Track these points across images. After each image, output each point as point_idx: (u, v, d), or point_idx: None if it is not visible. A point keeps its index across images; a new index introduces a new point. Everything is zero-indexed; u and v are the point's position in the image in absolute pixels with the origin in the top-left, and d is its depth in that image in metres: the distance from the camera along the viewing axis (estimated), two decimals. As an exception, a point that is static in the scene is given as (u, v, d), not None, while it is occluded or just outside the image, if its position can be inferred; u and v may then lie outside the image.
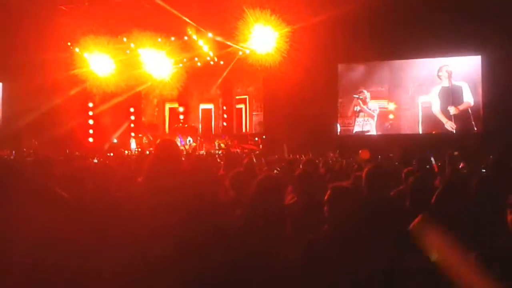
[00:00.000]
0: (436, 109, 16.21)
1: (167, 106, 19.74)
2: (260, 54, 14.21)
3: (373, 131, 17.13)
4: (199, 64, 16.91)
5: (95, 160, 9.69)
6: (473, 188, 3.56)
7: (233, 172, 4.37)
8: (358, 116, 17.36)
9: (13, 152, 13.83)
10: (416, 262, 2.87)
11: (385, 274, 2.87)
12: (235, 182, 4.16)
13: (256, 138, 17.33)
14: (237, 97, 19.08)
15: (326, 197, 3.21)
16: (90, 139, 17.62)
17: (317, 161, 7.13)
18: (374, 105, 17.17)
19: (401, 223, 3.23)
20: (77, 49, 15.67)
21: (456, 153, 11.57)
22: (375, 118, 17.13)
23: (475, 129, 15.54)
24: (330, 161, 8.57)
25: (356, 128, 17.38)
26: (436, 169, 6.96)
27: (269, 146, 15.68)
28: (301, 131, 14.69)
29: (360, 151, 9.65)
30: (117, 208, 3.11)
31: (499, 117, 14.13)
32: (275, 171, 6.22)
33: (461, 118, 15.86)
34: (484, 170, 6.56)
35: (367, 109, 17.22)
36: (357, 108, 17.32)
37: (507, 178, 4.72)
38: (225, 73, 17.34)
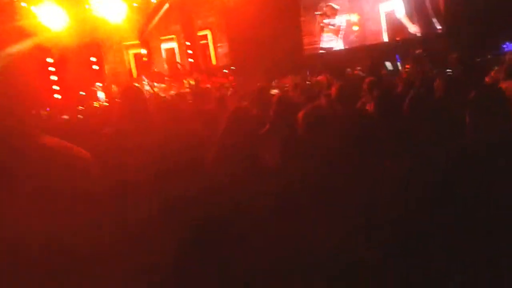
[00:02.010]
0: (401, 15, 16.05)
1: (130, 52, 19.15)
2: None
3: (340, 46, 16.98)
4: (153, 1, 16.26)
5: (65, 117, 9.50)
6: (440, 89, 3.62)
7: (203, 110, 4.34)
8: (323, 33, 17.14)
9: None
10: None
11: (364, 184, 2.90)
12: (206, 121, 4.14)
13: (225, 70, 17.07)
14: (199, 33, 18.54)
15: (299, 120, 3.18)
16: (57, 96, 17.12)
17: (286, 85, 7.11)
18: (339, 20, 16.91)
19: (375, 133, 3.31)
20: (23, 3, 14.80)
21: (418, 51, 11.70)
22: (342, 33, 16.93)
23: (439, 30, 15.51)
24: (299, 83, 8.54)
25: (323, 45, 17.20)
26: (404, 75, 7.05)
27: (239, 77, 15.50)
28: (268, 56, 14.51)
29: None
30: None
31: (462, 15, 14.09)
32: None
33: (424, 20, 15.77)
34: (449, 70, 6.65)
35: (330, 26, 16.97)
36: (321, 25, 17.07)
37: (469, 75, 4.83)
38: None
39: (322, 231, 2.72)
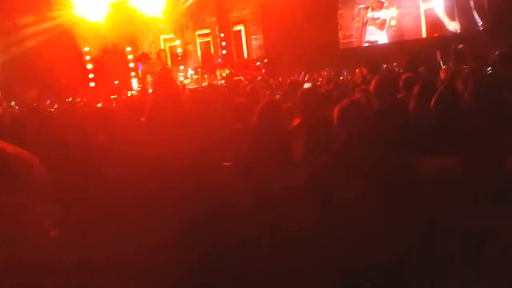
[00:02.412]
0: (440, 10, 15.63)
1: (166, 44, 19.30)
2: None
3: (384, 40, 16.65)
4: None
5: (99, 105, 9.67)
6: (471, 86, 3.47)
7: (235, 104, 4.30)
8: (367, 26, 16.87)
9: (12, 103, 13.61)
10: (433, 164, 2.84)
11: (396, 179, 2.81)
12: (237, 114, 4.10)
13: (258, 63, 17.03)
14: (235, 28, 18.53)
15: (335, 115, 3.12)
16: (92, 84, 17.44)
17: (320, 79, 7.01)
18: (385, 13, 16.59)
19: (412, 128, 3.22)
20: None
21: (460, 46, 11.35)
22: (386, 26, 16.62)
23: (481, 27, 15.04)
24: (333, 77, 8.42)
25: (368, 38, 16.92)
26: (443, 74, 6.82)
27: (272, 70, 15.44)
28: (302, 49, 14.38)
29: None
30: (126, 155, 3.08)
31: (504, 13, 13.60)
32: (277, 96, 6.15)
33: (465, 17, 15.31)
34: (490, 68, 6.42)
35: (375, 19, 16.66)
36: (364, 19, 16.79)
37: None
38: None
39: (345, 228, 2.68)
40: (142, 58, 16.68)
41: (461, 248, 2.57)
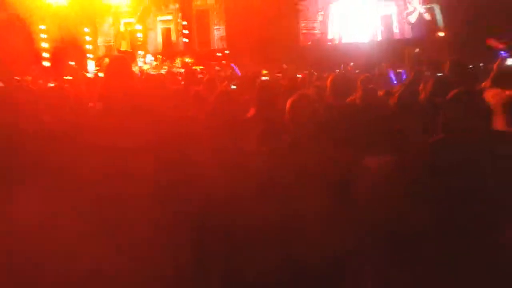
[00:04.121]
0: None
1: (127, 28, 18.87)
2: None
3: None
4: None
5: (51, 84, 9.33)
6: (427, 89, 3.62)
7: (193, 91, 4.30)
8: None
9: None
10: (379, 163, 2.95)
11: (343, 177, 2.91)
12: (195, 100, 4.11)
13: (219, 54, 16.95)
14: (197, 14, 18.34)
15: (287, 107, 3.18)
16: (46, 63, 16.84)
17: (278, 74, 7.07)
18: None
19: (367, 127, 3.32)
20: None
21: (416, 50, 11.71)
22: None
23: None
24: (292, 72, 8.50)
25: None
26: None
27: (232, 61, 15.39)
28: (263, 43, 14.42)
29: None
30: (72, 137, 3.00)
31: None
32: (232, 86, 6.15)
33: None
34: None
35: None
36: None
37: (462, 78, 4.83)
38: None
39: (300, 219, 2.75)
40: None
41: (398, 246, 2.68)
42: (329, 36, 17.07)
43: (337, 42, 16.90)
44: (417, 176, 2.66)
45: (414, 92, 3.82)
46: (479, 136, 2.53)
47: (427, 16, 15.84)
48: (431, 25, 15.62)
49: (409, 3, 16.34)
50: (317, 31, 17.16)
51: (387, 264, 2.82)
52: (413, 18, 16.22)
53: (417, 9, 16.18)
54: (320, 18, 17.14)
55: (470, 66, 8.59)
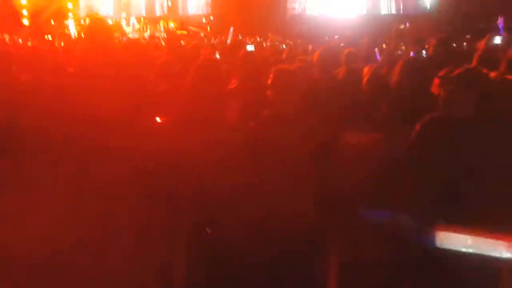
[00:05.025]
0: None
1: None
2: None
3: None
4: None
5: (29, 44, 9.08)
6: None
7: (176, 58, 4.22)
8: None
9: None
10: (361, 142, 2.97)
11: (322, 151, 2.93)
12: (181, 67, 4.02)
13: (204, 20, 16.63)
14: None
15: (269, 81, 3.16)
16: (25, 21, 16.31)
17: (264, 44, 6.98)
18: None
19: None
20: None
21: (402, 26, 11.67)
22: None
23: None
24: (276, 43, 8.40)
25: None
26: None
27: (216, 28, 15.15)
28: (250, 11, 14.19)
29: None
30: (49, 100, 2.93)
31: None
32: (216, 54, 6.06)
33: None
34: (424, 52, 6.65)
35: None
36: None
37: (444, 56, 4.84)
38: None
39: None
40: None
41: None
42: (308, 11, 16.83)
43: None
44: (404, 154, 2.69)
45: (387, 73, 3.79)
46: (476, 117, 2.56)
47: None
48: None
49: None
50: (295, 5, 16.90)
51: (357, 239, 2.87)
52: None
53: None
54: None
55: (454, 45, 8.63)
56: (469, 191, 2.49)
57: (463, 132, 2.60)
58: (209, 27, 15.89)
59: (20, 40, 11.60)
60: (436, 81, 2.81)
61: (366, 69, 3.88)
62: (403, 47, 8.68)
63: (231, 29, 7.49)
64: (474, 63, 4.17)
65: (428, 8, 15.50)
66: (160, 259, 2.68)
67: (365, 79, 3.58)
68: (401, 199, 2.59)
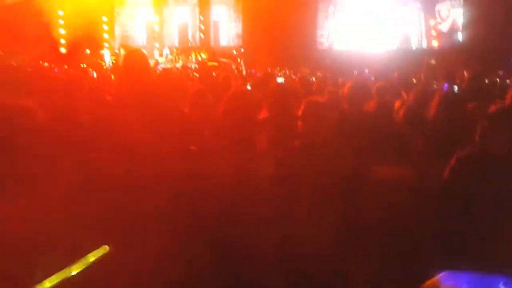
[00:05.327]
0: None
1: (143, 18, 18.91)
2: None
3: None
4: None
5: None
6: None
7: (208, 88, 4.30)
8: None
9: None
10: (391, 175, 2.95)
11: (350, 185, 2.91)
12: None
13: (234, 51, 16.95)
14: (215, 6, 18.38)
15: (300, 112, 3.19)
16: (62, 49, 16.93)
17: (293, 76, 7.05)
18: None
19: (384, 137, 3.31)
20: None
21: (433, 61, 11.63)
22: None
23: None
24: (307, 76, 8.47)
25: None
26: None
27: (247, 60, 15.40)
28: (280, 44, 14.41)
29: None
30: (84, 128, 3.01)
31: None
32: (248, 86, 6.15)
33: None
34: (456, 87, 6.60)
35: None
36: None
37: (480, 93, 4.79)
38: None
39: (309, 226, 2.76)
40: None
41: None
42: (336, 46, 17.00)
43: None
44: (437, 190, 2.66)
45: (421, 107, 3.77)
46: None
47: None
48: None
49: (438, 12, 16.00)
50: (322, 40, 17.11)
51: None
52: (445, 27, 15.91)
53: (450, 16, 15.84)
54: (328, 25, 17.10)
55: (486, 81, 8.55)
56: (503, 230, 2.44)
57: (498, 169, 2.56)
58: (240, 58, 16.17)
59: (56, 69, 12.05)
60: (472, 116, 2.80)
61: (397, 103, 3.88)
62: (435, 82, 8.64)
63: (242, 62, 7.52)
64: (508, 100, 4.12)
65: (459, 42, 15.44)
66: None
67: (401, 113, 3.56)
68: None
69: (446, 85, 6.57)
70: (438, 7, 15.89)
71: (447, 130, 3.15)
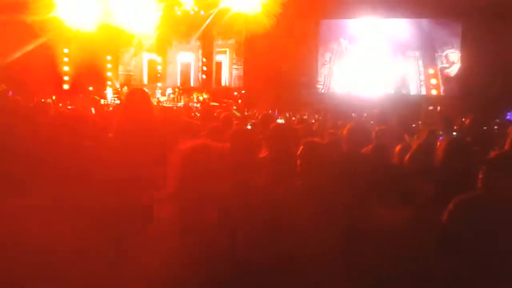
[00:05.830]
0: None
1: (147, 58, 19.25)
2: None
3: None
4: (179, 13, 16.45)
5: (70, 107, 9.49)
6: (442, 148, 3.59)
7: (211, 126, 4.35)
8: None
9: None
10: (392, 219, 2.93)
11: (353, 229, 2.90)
12: (213, 135, 4.13)
13: (235, 93, 17.19)
14: (218, 49, 18.76)
15: (299, 152, 3.21)
16: (65, 86, 17.11)
17: (293, 118, 7.12)
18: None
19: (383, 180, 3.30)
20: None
21: (431, 107, 11.77)
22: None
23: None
24: (305, 117, 8.55)
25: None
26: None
27: (248, 101, 15.59)
28: (280, 86, 14.62)
29: None
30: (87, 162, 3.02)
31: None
32: (248, 125, 6.21)
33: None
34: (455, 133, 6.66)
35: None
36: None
37: (480, 139, 4.81)
38: (205, 24, 16.87)
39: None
40: None
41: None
42: (332, 90, 17.30)
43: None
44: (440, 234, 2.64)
45: (428, 152, 3.79)
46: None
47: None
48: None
49: (445, 57, 16.28)
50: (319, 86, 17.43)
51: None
52: (453, 72, 16.16)
53: (456, 62, 16.13)
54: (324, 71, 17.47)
55: (485, 127, 8.61)
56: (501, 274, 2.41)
57: (498, 213, 2.55)
58: (240, 100, 16.37)
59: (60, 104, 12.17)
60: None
61: (398, 147, 3.89)
62: (433, 127, 8.72)
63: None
64: (507, 146, 4.16)
65: (456, 91, 15.68)
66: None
67: (407, 157, 3.57)
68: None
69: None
70: (445, 52, 16.26)
71: (454, 175, 3.15)
